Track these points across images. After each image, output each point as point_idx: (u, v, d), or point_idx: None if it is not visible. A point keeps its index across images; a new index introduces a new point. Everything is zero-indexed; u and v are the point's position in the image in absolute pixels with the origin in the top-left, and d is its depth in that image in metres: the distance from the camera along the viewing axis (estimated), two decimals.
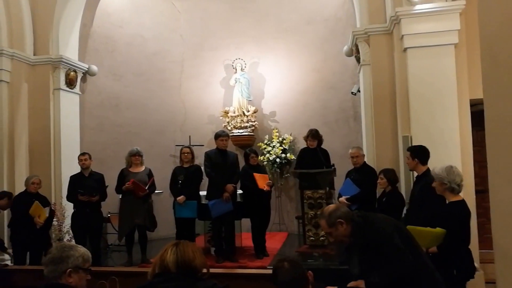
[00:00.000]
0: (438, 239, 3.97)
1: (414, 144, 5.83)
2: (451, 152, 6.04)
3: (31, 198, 6.73)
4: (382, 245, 3.21)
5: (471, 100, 6.45)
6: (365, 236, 3.27)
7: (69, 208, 7.51)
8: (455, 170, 4.20)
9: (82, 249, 2.69)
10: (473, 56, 6.09)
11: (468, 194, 6.09)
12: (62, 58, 8.36)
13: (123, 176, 7.39)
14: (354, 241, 3.36)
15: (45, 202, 6.97)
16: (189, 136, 10.69)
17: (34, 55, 8.34)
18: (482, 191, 6.60)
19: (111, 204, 8.14)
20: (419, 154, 5.05)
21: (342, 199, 6.48)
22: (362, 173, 6.55)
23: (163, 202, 9.25)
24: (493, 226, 2.58)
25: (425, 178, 4.84)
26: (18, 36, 8.03)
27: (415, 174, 5.36)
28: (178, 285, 2.35)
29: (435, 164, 4.97)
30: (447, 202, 4.24)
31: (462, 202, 4.19)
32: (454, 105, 6.24)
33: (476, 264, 6.03)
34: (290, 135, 10.50)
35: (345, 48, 8.49)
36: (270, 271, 2.63)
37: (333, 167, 7.17)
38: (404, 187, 6.42)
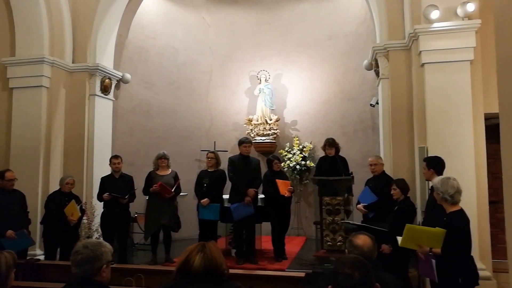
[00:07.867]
0: (438, 238, 3.86)
1: (430, 154, 5.72)
2: (465, 163, 5.94)
3: (64, 197, 6.74)
4: None
5: (485, 114, 6.31)
6: None
7: (99, 207, 7.56)
8: (451, 182, 4.01)
9: (107, 244, 2.72)
10: (487, 72, 6.00)
11: (482, 205, 5.97)
12: (98, 66, 8.45)
13: (150, 178, 7.39)
14: None
15: (77, 201, 6.94)
16: (214, 142, 10.70)
17: (72, 62, 8.43)
18: (495, 201, 6.45)
19: (138, 204, 8.15)
20: (434, 164, 4.94)
21: (360, 206, 6.36)
22: (380, 182, 6.35)
23: (188, 204, 9.26)
24: (507, 236, 2.48)
25: None
26: (58, 45, 8.14)
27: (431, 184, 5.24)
28: (204, 286, 2.26)
29: (449, 174, 4.86)
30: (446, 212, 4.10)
31: (459, 212, 4.02)
32: (469, 118, 6.13)
33: (489, 273, 5.88)
34: (310, 143, 10.43)
35: (365, 62, 8.42)
36: (288, 274, 2.47)
37: (351, 175, 7.08)
38: (419, 196, 6.31)
